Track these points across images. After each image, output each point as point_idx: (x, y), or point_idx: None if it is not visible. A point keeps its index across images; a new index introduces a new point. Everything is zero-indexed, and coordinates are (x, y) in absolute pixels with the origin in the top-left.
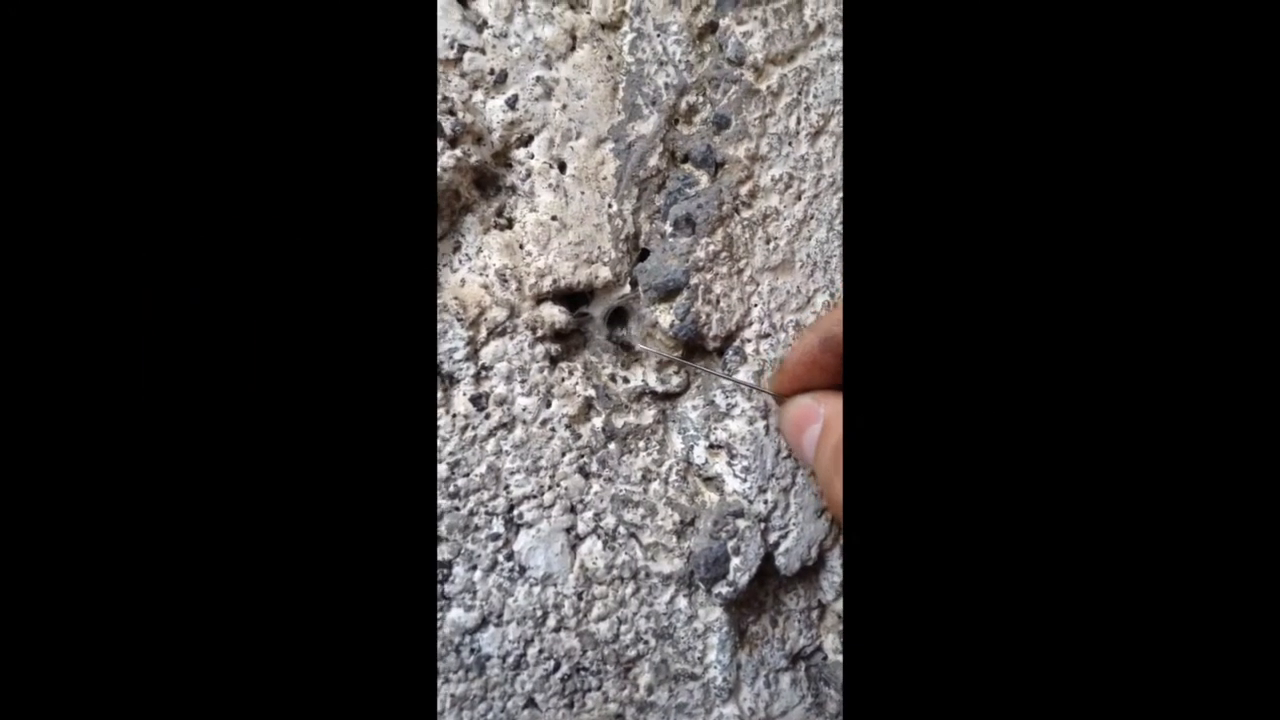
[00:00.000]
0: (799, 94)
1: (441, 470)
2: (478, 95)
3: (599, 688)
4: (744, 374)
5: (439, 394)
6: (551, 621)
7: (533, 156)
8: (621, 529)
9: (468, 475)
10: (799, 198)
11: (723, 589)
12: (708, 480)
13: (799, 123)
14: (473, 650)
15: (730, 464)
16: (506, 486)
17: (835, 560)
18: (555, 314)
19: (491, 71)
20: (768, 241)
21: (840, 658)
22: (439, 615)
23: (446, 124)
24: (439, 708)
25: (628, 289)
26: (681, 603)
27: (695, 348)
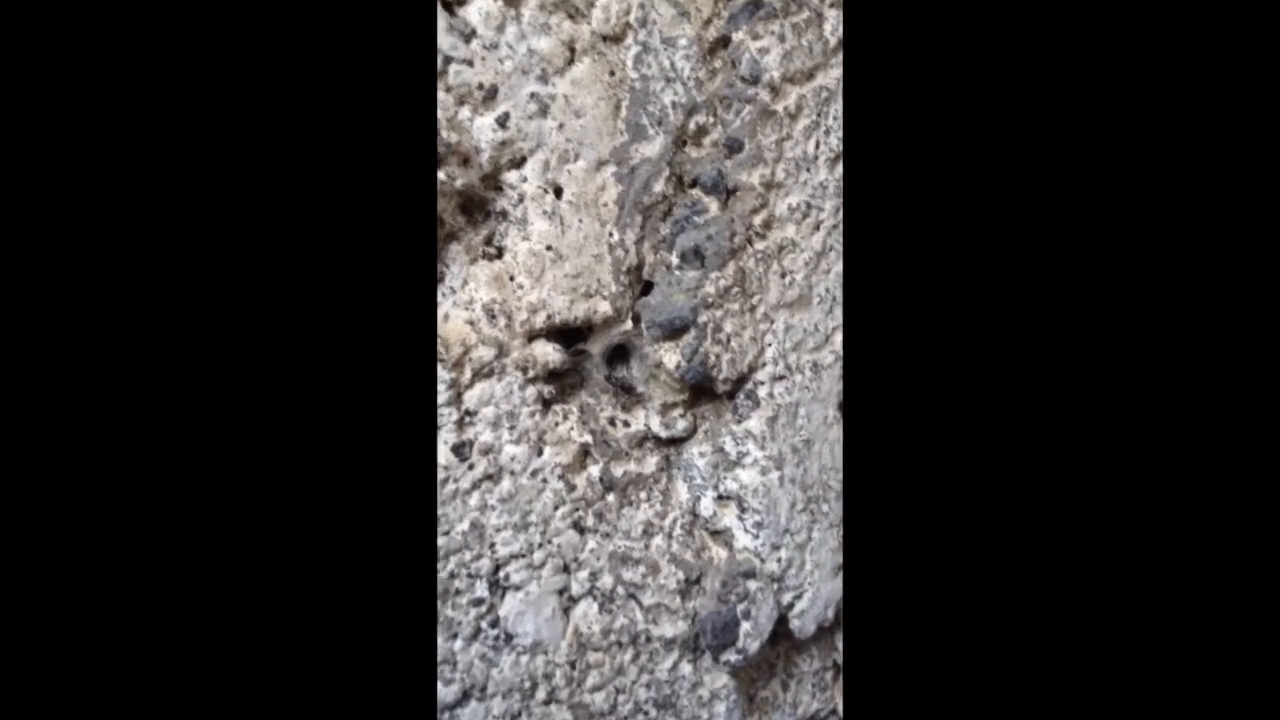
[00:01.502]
0: (818, 116)
1: None
2: (464, 112)
3: None
4: (755, 420)
5: None
6: (541, 694)
7: (525, 180)
8: (620, 589)
9: (448, 533)
10: (817, 228)
11: (731, 656)
12: (715, 534)
13: (818, 147)
14: None
15: (741, 517)
16: (492, 545)
17: None
18: (549, 352)
19: (480, 86)
20: (783, 275)
21: None
22: None
23: None
24: None
25: (629, 325)
26: (685, 669)
27: (703, 391)
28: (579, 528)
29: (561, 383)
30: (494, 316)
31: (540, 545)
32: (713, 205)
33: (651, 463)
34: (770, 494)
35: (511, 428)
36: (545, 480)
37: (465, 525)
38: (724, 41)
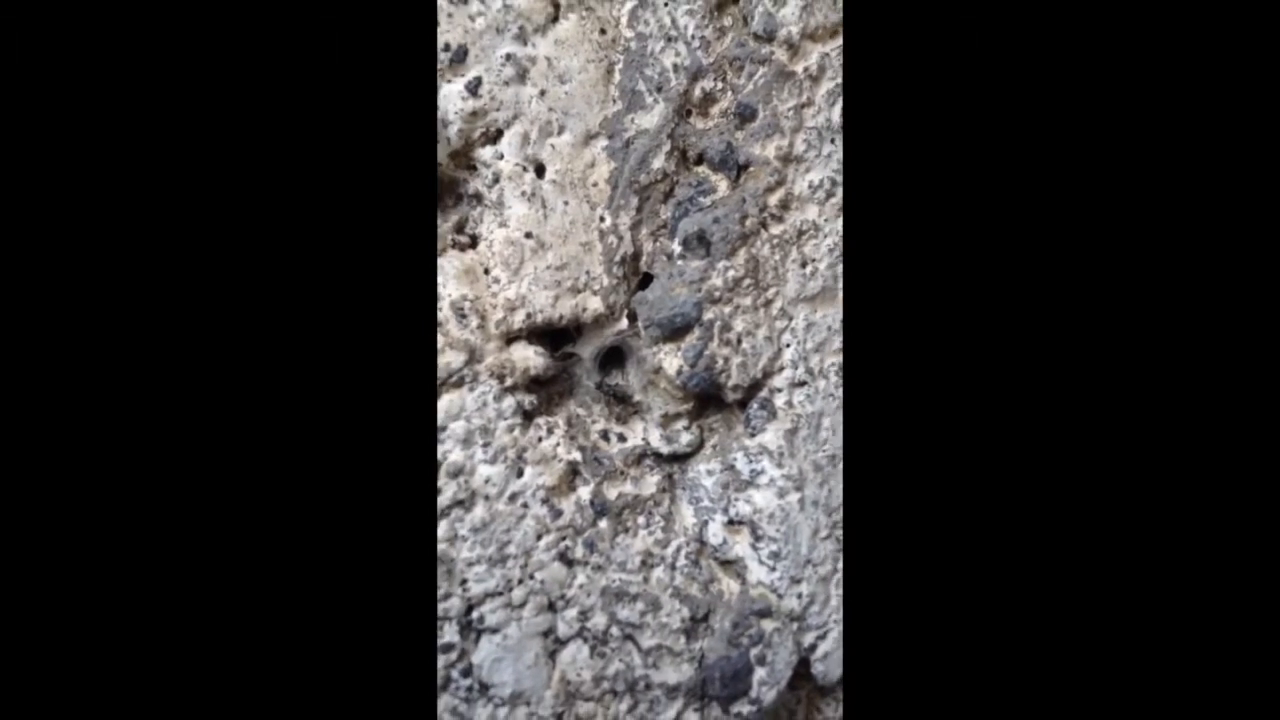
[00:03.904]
0: (843, 79)
1: None
2: None
3: None
4: (771, 434)
5: None
6: None
7: (501, 157)
8: (615, 630)
9: None
10: (843, 209)
11: (743, 708)
12: (726, 565)
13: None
14: None
15: (755, 546)
16: (463, 582)
17: None
18: (530, 357)
19: (447, 47)
20: (803, 265)
21: None
22: None
23: None
24: None
25: (624, 324)
26: (691, 718)
27: (710, 400)
28: (566, 559)
29: (545, 391)
30: (465, 316)
31: (521, 581)
32: (721, 184)
33: (651, 483)
34: (789, 519)
35: (486, 445)
36: (526, 505)
37: None
38: None
